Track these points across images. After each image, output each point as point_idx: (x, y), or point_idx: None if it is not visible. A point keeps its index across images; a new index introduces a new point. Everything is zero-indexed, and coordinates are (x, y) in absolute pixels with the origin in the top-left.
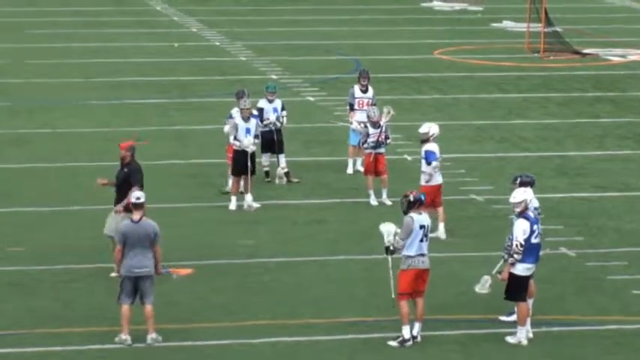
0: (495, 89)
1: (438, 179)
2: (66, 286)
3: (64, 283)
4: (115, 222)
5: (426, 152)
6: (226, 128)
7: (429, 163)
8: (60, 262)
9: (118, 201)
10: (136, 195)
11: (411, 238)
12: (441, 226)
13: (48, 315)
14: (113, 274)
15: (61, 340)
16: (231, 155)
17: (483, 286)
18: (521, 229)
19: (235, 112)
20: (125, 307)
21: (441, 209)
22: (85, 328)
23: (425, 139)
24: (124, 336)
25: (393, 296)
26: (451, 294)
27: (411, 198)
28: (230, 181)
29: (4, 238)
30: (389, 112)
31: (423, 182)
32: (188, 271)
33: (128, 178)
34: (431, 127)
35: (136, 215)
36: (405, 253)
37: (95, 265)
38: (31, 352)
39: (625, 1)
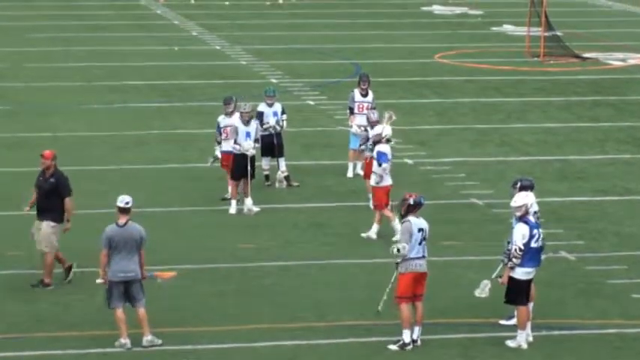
0: (495, 93)
1: (388, 181)
2: (65, 289)
3: (64, 286)
4: (47, 234)
5: (378, 153)
6: (217, 152)
7: (379, 165)
8: (59, 265)
9: (42, 211)
10: (125, 200)
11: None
12: (375, 227)
13: (47, 319)
14: (99, 281)
15: (61, 344)
16: (226, 164)
17: (483, 290)
18: (520, 234)
19: (222, 118)
20: (119, 311)
21: (386, 211)
22: (84, 332)
23: (377, 141)
24: (124, 340)
25: (379, 308)
26: (451, 298)
27: (411, 201)
28: (230, 188)
29: (3, 242)
30: (390, 117)
31: (373, 183)
32: (172, 274)
33: (56, 188)
34: (384, 129)
35: (122, 219)
36: None
37: (95, 270)
38: (30, 356)
39: (624, 5)
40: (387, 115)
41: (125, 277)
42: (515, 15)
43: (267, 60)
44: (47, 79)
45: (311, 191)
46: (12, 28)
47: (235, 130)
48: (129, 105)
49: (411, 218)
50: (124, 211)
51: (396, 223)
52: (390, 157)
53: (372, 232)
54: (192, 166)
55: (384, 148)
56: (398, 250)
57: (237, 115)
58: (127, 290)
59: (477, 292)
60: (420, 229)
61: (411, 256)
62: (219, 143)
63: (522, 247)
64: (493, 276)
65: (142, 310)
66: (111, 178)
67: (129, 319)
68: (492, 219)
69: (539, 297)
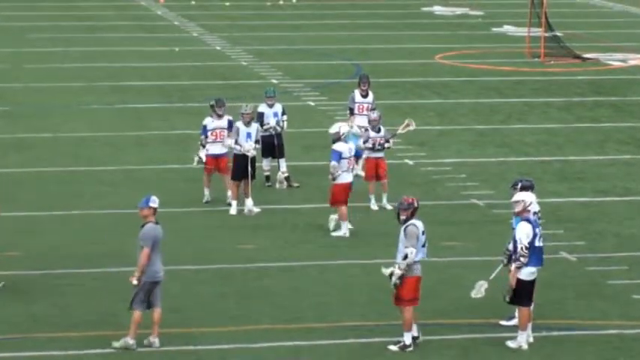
0: (496, 94)
1: (346, 178)
2: (64, 290)
3: (62, 287)
4: None
5: (332, 151)
6: (202, 153)
7: (330, 162)
8: (58, 266)
9: None
10: (157, 200)
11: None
12: (344, 224)
13: (46, 319)
14: (135, 282)
15: (60, 344)
16: (210, 166)
17: (478, 290)
18: (524, 233)
19: (209, 121)
20: (140, 314)
21: (343, 208)
22: (83, 332)
23: (336, 139)
24: (131, 340)
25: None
26: (452, 298)
27: (416, 204)
28: (206, 191)
29: (3, 243)
30: (408, 125)
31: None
32: None
33: None
34: (341, 127)
35: (154, 219)
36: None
37: (94, 270)
38: (30, 357)
39: (625, 5)
40: (406, 121)
41: (161, 276)
42: (516, 16)
43: (268, 60)
44: (47, 79)
45: (311, 192)
46: (12, 28)
47: (237, 131)
48: (129, 105)
49: (415, 221)
50: (156, 211)
51: (345, 225)
52: (349, 154)
53: (344, 230)
54: (191, 166)
55: (337, 146)
56: (405, 256)
57: (226, 117)
58: (153, 290)
59: (473, 293)
60: (423, 232)
61: (416, 259)
62: (204, 146)
63: (528, 246)
64: (491, 277)
65: (160, 311)
66: (111, 179)
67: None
68: (493, 220)
69: (540, 297)
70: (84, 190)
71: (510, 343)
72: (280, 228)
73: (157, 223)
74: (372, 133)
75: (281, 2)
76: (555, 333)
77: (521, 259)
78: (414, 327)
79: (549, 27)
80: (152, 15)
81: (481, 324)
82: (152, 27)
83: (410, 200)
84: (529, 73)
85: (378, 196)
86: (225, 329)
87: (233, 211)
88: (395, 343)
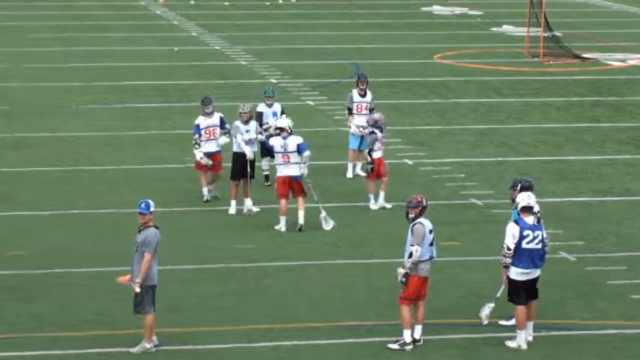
0: (495, 94)
1: (283, 171)
2: (64, 290)
3: (62, 287)
4: None
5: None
6: (198, 156)
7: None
8: (58, 266)
9: None
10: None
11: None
12: (283, 219)
13: (47, 319)
14: (138, 289)
15: (60, 344)
16: (205, 165)
17: (484, 319)
18: (510, 233)
19: (202, 120)
20: (151, 316)
21: (283, 202)
22: (83, 332)
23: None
24: (148, 344)
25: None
26: (451, 298)
27: (425, 203)
28: (204, 190)
29: (3, 242)
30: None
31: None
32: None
33: None
34: (278, 123)
35: (153, 223)
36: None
37: (94, 269)
38: (30, 356)
39: (624, 5)
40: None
41: (156, 280)
42: (515, 15)
43: (267, 60)
44: (47, 79)
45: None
46: (12, 28)
47: (237, 129)
48: (128, 105)
49: (422, 220)
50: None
51: (283, 222)
52: (282, 150)
53: (300, 218)
54: (191, 166)
55: (272, 140)
56: (410, 255)
57: (217, 115)
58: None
59: (483, 315)
60: (431, 230)
61: (424, 258)
62: (200, 145)
63: (510, 247)
64: (498, 294)
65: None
66: (110, 179)
67: (135, 322)
68: (492, 219)
69: (539, 297)
70: (83, 189)
71: (510, 343)
72: None
73: (156, 227)
74: (379, 135)
75: (280, 2)
76: (554, 332)
77: (503, 258)
78: (418, 328)
79: (548, 27)
80: (151, 14)
81: (480, 323)
82: (151, 26)
83: (419, 199)
84: (528, 72)
85: (377, 195)
86: (224, 329)
87: (232, 210)
88: (395, 342)
